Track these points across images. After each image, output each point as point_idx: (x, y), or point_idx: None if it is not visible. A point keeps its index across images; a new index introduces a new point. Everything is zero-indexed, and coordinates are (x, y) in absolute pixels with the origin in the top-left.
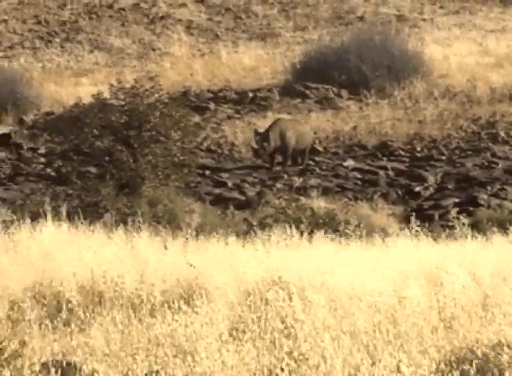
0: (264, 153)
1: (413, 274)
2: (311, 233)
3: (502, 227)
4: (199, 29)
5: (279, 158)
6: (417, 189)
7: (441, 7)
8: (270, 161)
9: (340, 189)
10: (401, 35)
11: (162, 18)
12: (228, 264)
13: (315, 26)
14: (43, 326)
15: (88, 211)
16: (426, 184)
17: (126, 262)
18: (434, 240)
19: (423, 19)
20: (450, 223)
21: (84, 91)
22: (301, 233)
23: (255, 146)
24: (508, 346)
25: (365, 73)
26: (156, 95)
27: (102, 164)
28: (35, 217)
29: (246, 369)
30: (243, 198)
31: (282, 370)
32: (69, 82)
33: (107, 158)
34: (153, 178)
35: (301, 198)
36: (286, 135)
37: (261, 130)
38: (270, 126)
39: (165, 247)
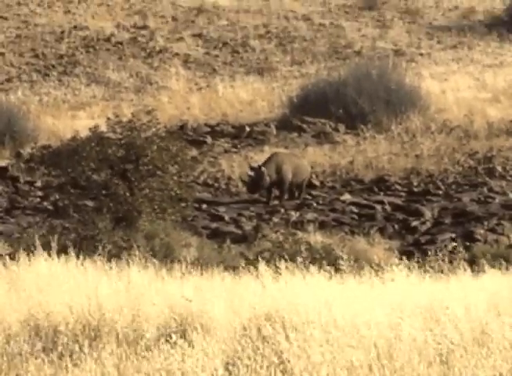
0: (257, 188)
1: (409, 309)
2: (307, 267)
3: (499, 262)
4: (196, 63)
5: (276, 192)
6: (414, 223)
7: (438, 42)
8: (267, 195)
9: (337, 224)
10: (398, 70)
11: (159, 52)
12: (224, 298)
13: (312, 60)
14: (39, 360)
15: (85, 245)
16: (423, 219)
17: (122, 295)
18: (430, 274)
19: (421, 54)
20: (446, 258)
21: (82, 124)
22: (298, 268)
23: (247, 180)
24: None
25: (363, 107)
26: (154, 129)
27: (99, 198)
28: (32, 250)
29: None
30: (239, 232)
31: None
32: (66, 116)
33: (104, 192)
34: (149, 211)
35: (298, 232)
36: (282, 169)
37: (256, 165)
38: (266, 160)
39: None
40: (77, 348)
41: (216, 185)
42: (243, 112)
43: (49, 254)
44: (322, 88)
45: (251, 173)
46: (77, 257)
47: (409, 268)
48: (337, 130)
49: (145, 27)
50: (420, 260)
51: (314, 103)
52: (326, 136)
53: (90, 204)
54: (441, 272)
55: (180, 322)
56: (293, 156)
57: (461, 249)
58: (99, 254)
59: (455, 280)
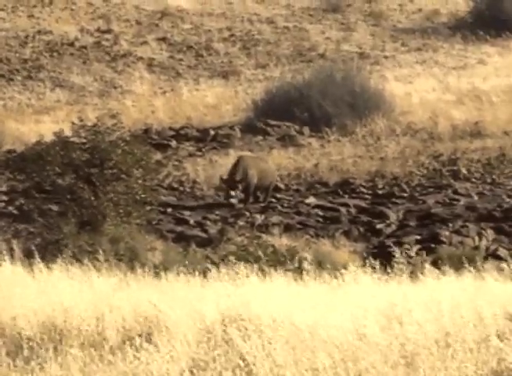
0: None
1: (373, 311)
2: (271, 270)
3: (463, 264)
4: (160, 67)
5: (240, 195)
6: (379, 226)
7: (402, 44)
8: (226, 196)
9: (302, 227)
10: (362, 72)
11: (123, 56)
12: (188, 301)
13: (276, 63)
14: (4, 364)
15: (50, 249)
16: (388, 221)
17: (86, 299)
18: (394, 276)
19: (385, 57)
20: (411, 260)
21: (46, 129)
22: (262, 271)
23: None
24: None
25: (327, 110)
26: (118, 133)
27: (63, 202)
28: None
29: None
30: (204, 236)
31: None
32: (30, 120)
33: (69, 196)
34: (114, 215)
35: (263, 235)
36: (248, 173)
37: (226, 176)
38: (233, 165)
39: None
40: (42, 352)
41: (181, 188)
42: (208, 115)
43: (13, 259)
44: (286, 91)
45: (226, 183)
46: (42, 261)
47: (373, 270)
48: (301, 133)
49: (109, 31)
50: (385, 262)
51: (278, 106)
52: (291, 139)
53: (55, 208)
54: (406, 274)
55: (145, 325)
56: (260, 159)
57: (424, 252)
58: (64, 258)
59: (419, 282)
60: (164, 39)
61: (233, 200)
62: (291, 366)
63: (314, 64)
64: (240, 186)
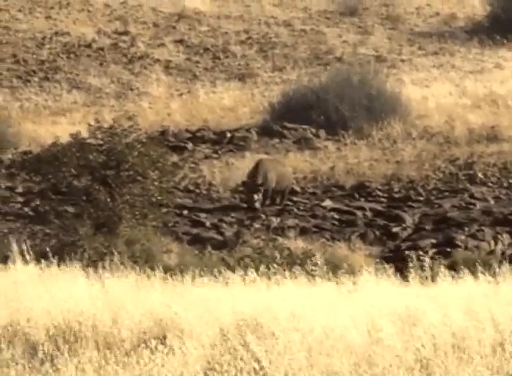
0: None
1: (389, 315)
2: (287, 272)
3: (478, 268)
4: (177, 69)
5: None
6: (395, 229)
7: (419, 48)
8: (249, 200)
9: (318, 230)
10: (379, 76)
11: (140, 58)
12: (204, 304)
13: (293, 66)
14: (19, 366)
15: (66, 250)
16: (403, 225)
17: (102, 301)
18: (409, 280)
19: (402, 60)
20: (427, 264)
21: (63, 130)
22: (277, 274)
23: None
24: None
25: (344, 113)
26: (134, 135)
27: (79, 204)
28: (10, 256)
29: None
30: (220, 238)
31: None
32: (47, 121)
33: (85, 197)
34: (130, 217)
35: (279, 238)
36: (268, 176)
37: (247, 179)
38: (253, 168)
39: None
40: (57, 353)
41: (197, 191)
42: (224, 118)
43: (29, 260)
44: (303, 94)
45: (248, 186)
46: (58, 263)
47: (388, 274)
48: (317, 136)
49: (126, 33)
50: (400, 266)
51: (295, 109)
52: (307, 142)
53: (71, 209)
54: (421, 277)
55: (160, 328)
56: (278, 163)
57: (440, 256)
58: (80, 260)
59: (434, 285)
60: (181, 41)
61: (256, 204)
62: (307, 370)
63: (331, 67)
64: (261, 189)
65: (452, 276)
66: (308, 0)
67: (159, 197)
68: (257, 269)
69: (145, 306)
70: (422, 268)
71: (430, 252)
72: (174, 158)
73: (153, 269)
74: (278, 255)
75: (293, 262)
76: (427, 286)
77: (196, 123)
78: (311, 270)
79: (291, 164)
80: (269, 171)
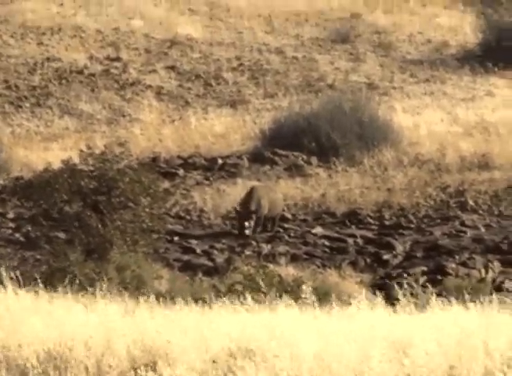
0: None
1: (379, 342)
2: (278, 299)
3: (469, 295)
4: (169, 95)
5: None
6: (386, 256)
7: (411, 75)
8: (240, 227)
9: (309, 257)
10: (371, 103)
11: (132, 84)
12: (194, 331)
13: (284, 93)
14: None
15: (57, 276)
16: (394, 252)
17: (92, 327)
18: (400, 308)
19: (394, 88)
20: (418, 292)
21: (54, 156)
22: (268, 301)
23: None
24: None
25: (335, 140)
26: (126, 161)
27: (70, 230)
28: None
29: None
30: (211, 264)
31: None
32: (38, 147)
33: (76, 223)
34: (121, 243)
35: (270, 265)
36: (260, 203)
37: (239, 207)
38: (246, 194)
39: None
40: None
41: (188, 217)
42: (216, 144)
43: (20, 286)
44: (294, 120)
45: (240, 213)
46: (48, 289)
47: (379, 301)
48: (309, 163)
49: (118, 59)
50: (391, 293)
51: (286, 135)
52: (298, 169)
53: (62, 235)
54: (412, 305)
55: (150, 354)
56: (270, 189)
57: (431, 284)
58: (71, 286)
59: (425, 313)
60: (172, 68)
61: (247, 231)
62: None
63: (322, 94)
64: (254, 217)
65: (443, 304)
66: (300, 27)
67: (150, 224)
68: (247, 296)
69: (136, 333)
70: (412, 295)
71: (421, 280)
72: (166, 184)
73: (143, 295)
74: (263, 283)
75: (284, 289)
76: (418, 313)
77: (187, 149)
78: (303, 298)
79: (282, 191)
80: (262, 197)
